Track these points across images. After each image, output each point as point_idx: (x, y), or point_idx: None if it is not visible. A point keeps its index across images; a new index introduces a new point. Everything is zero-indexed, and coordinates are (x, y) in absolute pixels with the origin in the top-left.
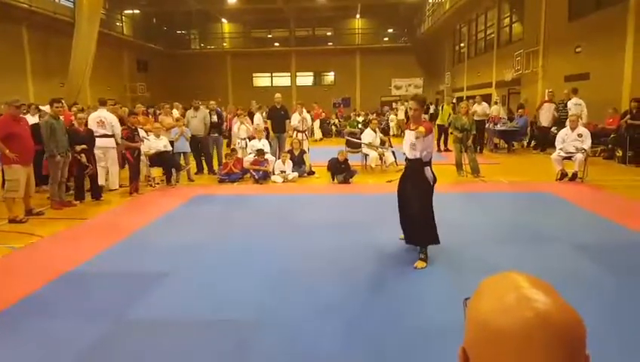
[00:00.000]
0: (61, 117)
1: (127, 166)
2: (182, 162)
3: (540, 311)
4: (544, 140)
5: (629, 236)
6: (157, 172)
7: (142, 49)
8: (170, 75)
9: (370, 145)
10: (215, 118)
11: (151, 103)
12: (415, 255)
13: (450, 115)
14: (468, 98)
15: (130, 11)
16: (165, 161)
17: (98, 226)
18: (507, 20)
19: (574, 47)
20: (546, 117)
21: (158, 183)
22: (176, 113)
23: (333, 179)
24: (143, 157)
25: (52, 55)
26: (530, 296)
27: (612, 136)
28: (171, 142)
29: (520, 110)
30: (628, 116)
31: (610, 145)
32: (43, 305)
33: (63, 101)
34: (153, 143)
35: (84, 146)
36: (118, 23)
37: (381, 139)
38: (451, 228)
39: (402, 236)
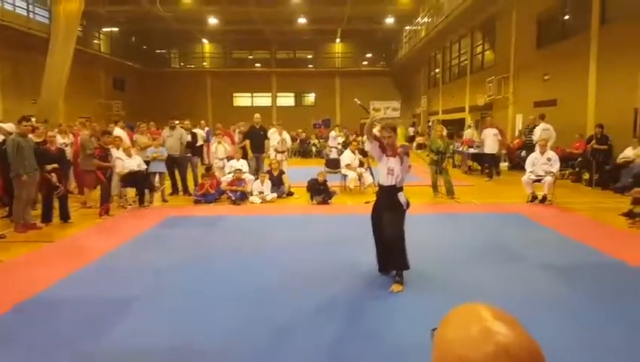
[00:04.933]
0: (30, 135)
1: (98, 186)
2: (157, 183)
3: (500, 344)
4: (492, 167)
5: (595, 256)
6: (130, 192)
7: (119, 67)
8: (148, 93)
9: (349, 167)
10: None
11: (126, 122)
12: (390, 276)
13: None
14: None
15: (108, 29)
16: (138, 180)
17: (64, 249)
18: (480, 48)
19: (543, 74)
20: (488, 143)
21: (130, 204)
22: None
23: (312, 200)
24: (114, 177)
25: (24, 71)
26: (492, 328)
27: (579, 160)
28: (146, 162)
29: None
30: (593, 141)
31: (577, 169)
32: None
33: (33, 119)
34: (127, 163)
35: (55, 166)
36: (95, 41)
37: (360, 161)
38: (426, 249)
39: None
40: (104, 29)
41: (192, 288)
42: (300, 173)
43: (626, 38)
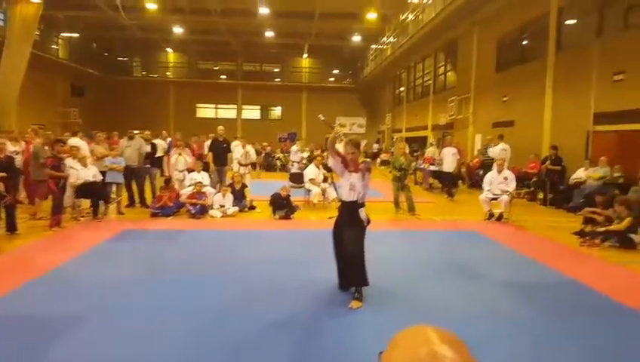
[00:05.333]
0: None
1: (50, 197)
2: (114, 194)
3: None
4: (450, 185)
5: (550, 274)
6: (84, 203)
7: (78, 73)
8: (108, 101)
9: (312, 181)
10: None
11: (84, 130)
12: (350, 293)
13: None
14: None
15: (67, 34)
16: (94, 191)
17: (8, 263)
18: (442, 69)
19: (502, 96)
20: (447, 162)
21: (83, 216)
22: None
23: (275, 215)
24: (68, 188)
25: None
26: (439, 351)
27: (534, 179)
28: (103, 172)
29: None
30: (548, 162)
31: (532, 188)
32: None
33: None
34: (82, 173)
35: (2, 174)
36: (53, 46)
37: (324, 176)
38: (387, 265)
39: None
40: (63, 34)
41: (145, 304)
42: (263, 186)
43: (580, 64)
